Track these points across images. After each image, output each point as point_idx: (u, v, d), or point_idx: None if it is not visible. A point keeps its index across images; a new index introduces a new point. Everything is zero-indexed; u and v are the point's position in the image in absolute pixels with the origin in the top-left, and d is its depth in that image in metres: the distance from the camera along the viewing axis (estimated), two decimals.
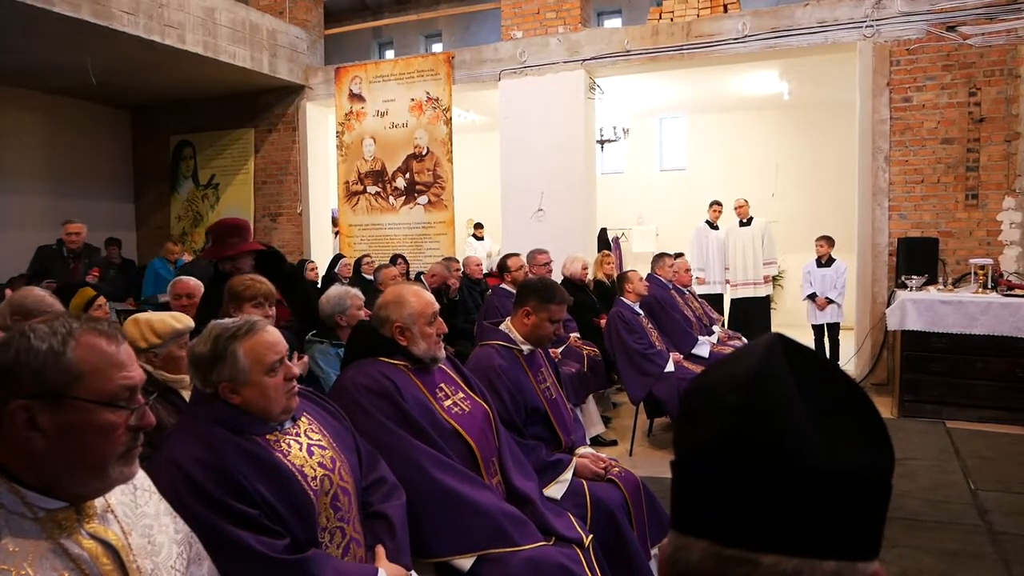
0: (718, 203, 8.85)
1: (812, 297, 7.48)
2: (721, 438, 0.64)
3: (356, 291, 4.17)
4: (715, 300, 8.42)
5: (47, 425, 1.14)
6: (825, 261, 7.47)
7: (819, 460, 0.60)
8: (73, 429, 1.16)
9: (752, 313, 8.44)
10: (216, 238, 3.74)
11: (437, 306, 2.51)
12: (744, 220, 8.57)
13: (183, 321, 2.66)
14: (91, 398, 1.17)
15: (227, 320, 1.90)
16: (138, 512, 1.34)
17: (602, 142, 9.99)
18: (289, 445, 1.84)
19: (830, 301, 7.36)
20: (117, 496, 1.30)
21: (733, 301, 8.73)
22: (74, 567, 1.15)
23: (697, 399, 0.69)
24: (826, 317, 7.43)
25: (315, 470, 1.83)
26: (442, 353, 2.52)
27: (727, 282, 8.74)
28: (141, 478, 1.40)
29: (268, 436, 1.82)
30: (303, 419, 1.94)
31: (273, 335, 1.86)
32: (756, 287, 8.52)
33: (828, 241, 7.51)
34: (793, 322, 9.94)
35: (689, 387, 0.72)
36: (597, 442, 5.27)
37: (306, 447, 1.86)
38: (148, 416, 1.25)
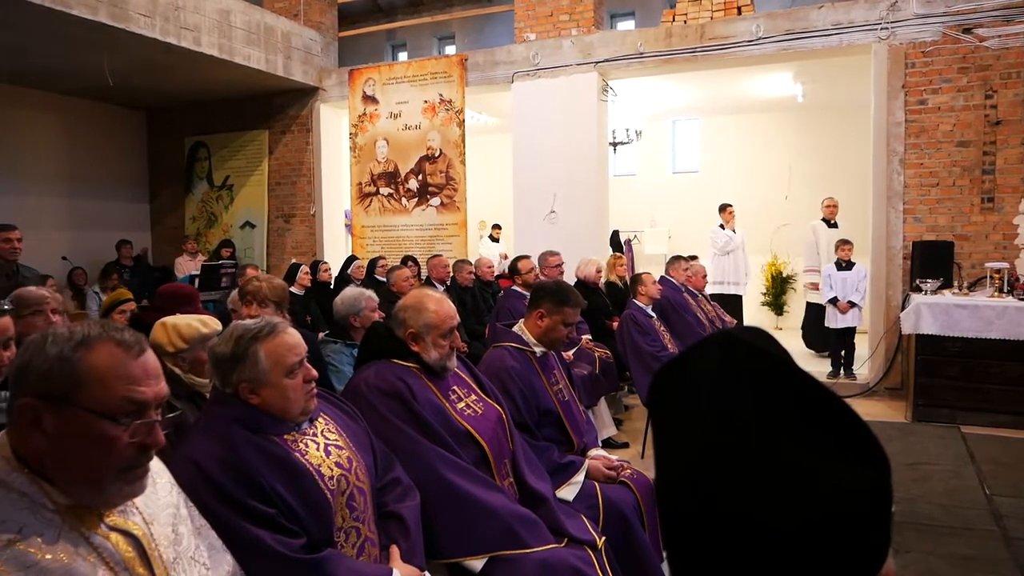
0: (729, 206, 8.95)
1: (833, 301, 7.41)
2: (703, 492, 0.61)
3: (371, 293, 4.19)
4: (735, 301, 8.56)
5: (50, 427, 1.16)
6: (845, 264, 7.40)
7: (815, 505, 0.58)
8: (70, 436, 1.16)
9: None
10: (164, 304, 3.56)
11: (456, 320, 2.50)
12: (832, 221, 8.15)
13: (210, 325, 2.64)
14: (90, 407, 1.16)
15: (248, 321, 1.91)
16: (160, 503, 1.36)
17: (615, 144, 9.97)
18: (307, 445, 1.85)
19: (852, 304, 7.30)
20: None
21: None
22: (97, 555, 1.18)
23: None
24: (847, 321, 7.34)
25: (332, 470, 1.84)
26: (453, 363, 2.52)
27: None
28: (159, 470, 1.42)
29: (286, 436, 1.84)
30: (320, 419, 1.96)
31: (293, 337, 1.87)
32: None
33: (848, 244, 7.44)
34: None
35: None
36: (609, 444, 5.27)
37: (323, 447, 1.88)
38: (156, 434, 1.23)
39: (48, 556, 1.11)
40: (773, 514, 0.58)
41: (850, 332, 7.43)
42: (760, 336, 0.67)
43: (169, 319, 2.63)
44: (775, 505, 0.59)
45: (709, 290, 8.38)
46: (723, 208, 8.91)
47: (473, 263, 7.44)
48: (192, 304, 3.60)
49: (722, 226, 8.84)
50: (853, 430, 0.63)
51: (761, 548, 0.58)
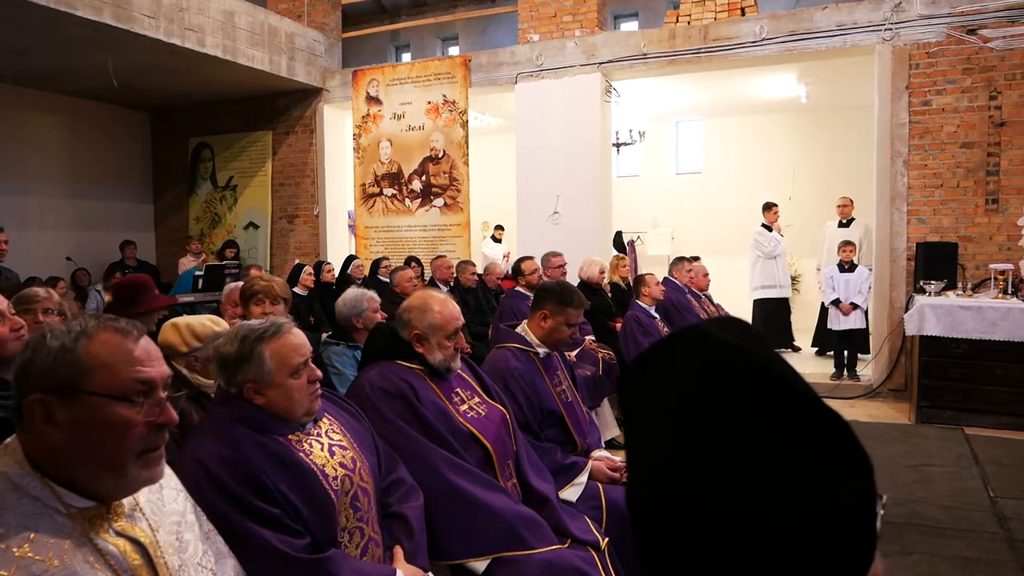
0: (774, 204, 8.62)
1: (836, 303, 7.38)
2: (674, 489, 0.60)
3: (372, 293, 4.19)
4: (784, 305, 8.53)
5: (63, 420, 1.16)
6: (848, 266, 7.37)
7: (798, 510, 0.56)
8: (87, 424, 1.17)
9: None
10: (125, 296, 3.64)
11: (461, 321, 2.51)
12: (844, 220, 8.02)
13: (221, 324, 2.66)
14: (101, 391, 1.18)
15: (254, 321, 1.92)
16: (166, 510, 1.36)
17: (618, 145, 9.97)
18: (311, 445, 1.86)
19: (855, 306, 7.26)
20: (145, 494, 1.32)
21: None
22: (104, 562, 1.18)
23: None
24: (850, 323, 7.28)
25: (336, 470, 1.85)
26: (457, 364, 2.52)
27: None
28: (167, 475, 1.43)
29: (290, 436, 1.84)
30: (324, 420, 1.96)
31: (298, 337, 1.88)
32: None
33: (850, 245, 7.41)
34: (810, 326, 9.88)
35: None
36: (612, 445, 5.26)
37: (327, 447, 1.88)
38: (168, 412, 1.24)
39: (56, 563, 1.12)
40: (752, 516, 0.57)
41: (855, 334, 7.39)
42: (735, 330, 0.64)
43: (180, 320, 2.64)
44: (754, 506, 0.57)
45: (757, 295, 8.34)
46: (768, 207, 8.46)
47: (483, 269, 7.44)
48: (150, 291, 3.65)
49: (767, 227, 8.41)
50: (833, 428, 0.61)
51: (741, 552, 0.57)
